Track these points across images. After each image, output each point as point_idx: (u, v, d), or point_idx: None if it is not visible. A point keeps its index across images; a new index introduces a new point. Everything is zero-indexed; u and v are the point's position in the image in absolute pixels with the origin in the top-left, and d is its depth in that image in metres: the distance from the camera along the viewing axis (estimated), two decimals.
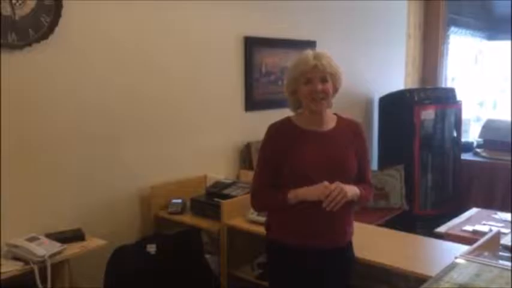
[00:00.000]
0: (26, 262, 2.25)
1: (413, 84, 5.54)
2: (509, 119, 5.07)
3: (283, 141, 2.03)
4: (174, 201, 3.06)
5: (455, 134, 4.96)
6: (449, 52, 5.77)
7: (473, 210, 3.42)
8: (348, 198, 1.94)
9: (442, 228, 3.00)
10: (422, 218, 4.56)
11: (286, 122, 2.09)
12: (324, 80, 1.98)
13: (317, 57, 1.98)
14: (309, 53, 2.02)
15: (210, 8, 3.29)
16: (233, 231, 2.85)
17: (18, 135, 2.47)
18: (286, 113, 2.15)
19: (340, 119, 2.12)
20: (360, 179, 2.09)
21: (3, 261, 2.26)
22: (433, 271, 1.69)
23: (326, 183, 1.93)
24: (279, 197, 2.00)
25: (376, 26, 4.85)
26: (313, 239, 2.02)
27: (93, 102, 2.76)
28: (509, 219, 3.15)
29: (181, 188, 3.16)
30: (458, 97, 5.04)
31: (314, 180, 1.95)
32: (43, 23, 2.47)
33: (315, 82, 1.97)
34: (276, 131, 2.08)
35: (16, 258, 2.28)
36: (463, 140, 5.18)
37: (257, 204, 2.14)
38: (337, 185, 1.93)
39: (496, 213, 3.33)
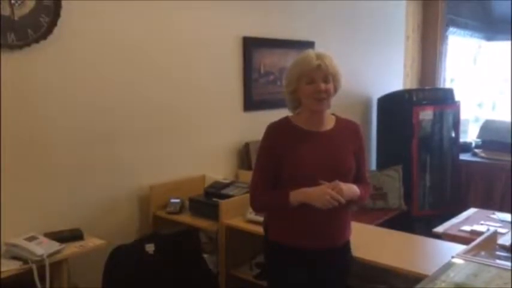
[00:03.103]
0: (24, 261, 2.25)
1: (411, 84, 5.54)
2: (508, 120, 5.08)
3: (282, 141, 2.03)
4: (173, 201, 3.06)
5: (453, 135, 4.96)
6: (448, 53, 5.77)
7: (472, 211, 3.42)
8: (342, 201, 1.94)
9: (440, 228, 3.01)
10: (420, 219, 4.57)
11: (285, 122, 2.09)
12: (326, 80, 1.98)
13: (320, 57, 1.98)
14: (311, 52, 2.02)
15: (209, 8, 3.29)
16: (231, 231, 2.85)
17: (17, 135, 2.47)
18: (284, 113, 2.15)
19: (338, 119, 2.13)
20: (357, 178, 2.10)
21: (2, 261, 2.26)
22: (430, 271, 1.68)
23: (328, 190, 1.92)
24: (280, 198, 2.00)
25: (375, 27, 4.85)
26: (312, 239, 2.02)
27: (92, 102, 2.76)
28: (508, 219, 3.16)
29: (180, 188, 3.16)
30: (457, 98, 5.04)
31: (313, 181, 1.95)
32: (42, 23, 2.47)
33: (318, 82, 1.97)
34: (275, 130, 2.08)
35: (15, 257, 2.28)
36: (461, 140, 5.18)
37: (256, 204, 2.13)
38: (336, 184, 1.94)
39: (494, 214, 3.33)
